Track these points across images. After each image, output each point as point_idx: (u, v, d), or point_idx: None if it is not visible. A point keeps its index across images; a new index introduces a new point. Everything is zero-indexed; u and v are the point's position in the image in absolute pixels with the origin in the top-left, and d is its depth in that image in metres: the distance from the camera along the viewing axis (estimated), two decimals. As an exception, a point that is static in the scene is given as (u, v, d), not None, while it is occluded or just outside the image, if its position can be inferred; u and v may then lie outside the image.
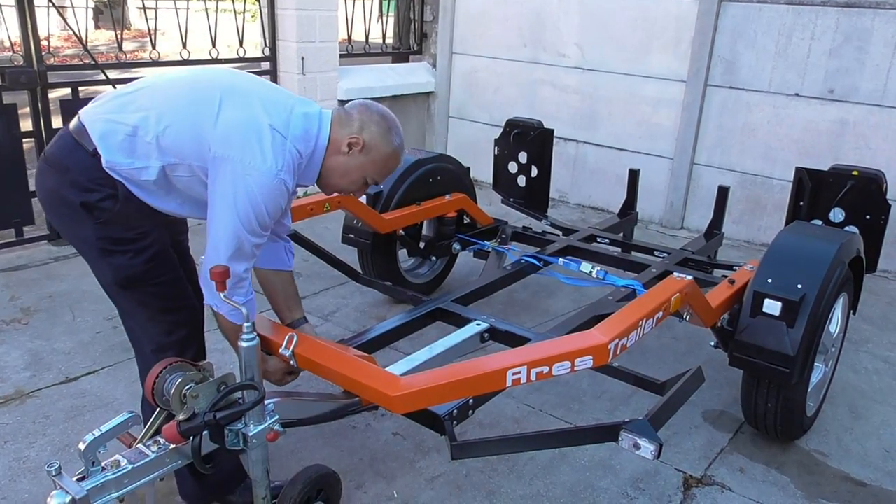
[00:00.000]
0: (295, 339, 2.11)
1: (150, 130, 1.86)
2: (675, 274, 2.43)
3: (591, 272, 3.12)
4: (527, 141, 3.98)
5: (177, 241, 2.17)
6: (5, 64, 4.17)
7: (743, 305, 2.54)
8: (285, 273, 2.30)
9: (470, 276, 4.13)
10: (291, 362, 2.13)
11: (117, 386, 2.97)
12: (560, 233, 3.90)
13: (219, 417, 1.78)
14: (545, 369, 1.96)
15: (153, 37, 4.91)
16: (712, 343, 2.77)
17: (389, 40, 6.59)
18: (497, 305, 3.76)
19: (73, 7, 4.43)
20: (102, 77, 4.57)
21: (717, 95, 5.11)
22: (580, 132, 5.82)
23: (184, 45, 4.87)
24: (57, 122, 4.30)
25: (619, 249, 3.73)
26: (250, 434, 1.85)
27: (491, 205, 4.73)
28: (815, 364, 2.69)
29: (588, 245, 3.65)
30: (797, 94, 4.78)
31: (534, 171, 4.02)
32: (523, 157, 4.03)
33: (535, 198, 4.08)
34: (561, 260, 3.31)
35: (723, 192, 3.86)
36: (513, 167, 4.09)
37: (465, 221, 3.89)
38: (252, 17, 5.61)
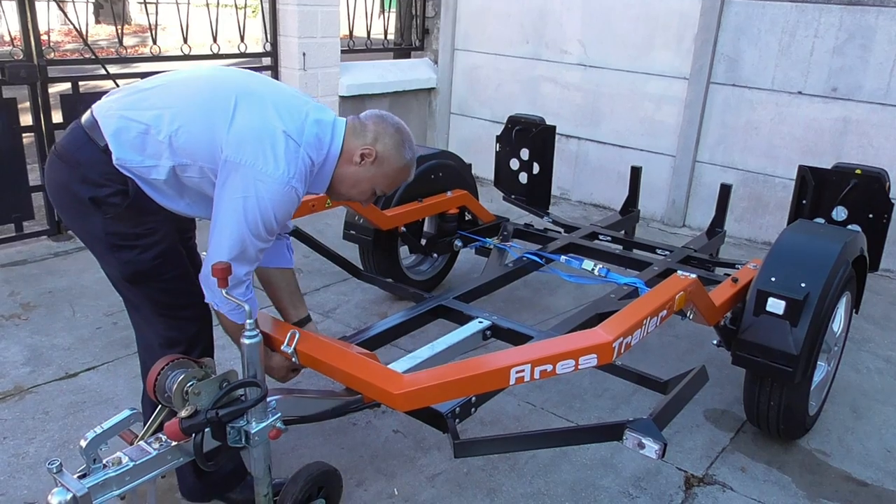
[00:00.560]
0: (297, 335, 2.10)
1: (162, 129, 1.84)
2: (680, 272, 2.42)
3: (593, 270, 3.11)
4: (529, 138, 3.97)
5: (185, 238, 2.16)
6: (5, 58, 4.15)
7: (746, 304, 2.53)
8: (287, 270, 2.29)
9: (471, 273, 4.13)
10: (293, 359, 2.12)
11: (117, 382, 2.97)
12: (562, 230, 3.89)
13: (221, 415, 1.77)
14: (549, 367, 1.95)
15: (154, 32, 4.89)
16: (715, 342, 2.76)
17: (391, 36, 6.56)
18: (498, 303, 3.75)
19: (73, 1, 4.41)
20: (103, 72, 4.55)
21: (719, 93, 5.10)
22: (582, 129, 5.81)
23: (185, 41, 4.85)
24: (57, 116, 4.28)
25: (620, 247, 3.72)
26: (252, 431, 1.85)
27: (492, 202, 4.72)
28: (818, 363, 2.68)
29: (590, 242, 3.64)
30: (800, 92, 4.77)
31: (535, 168, 4.01)
32: (525, 153, 4.01)
33: (536, 195, 4.06)
34: (563, 257, 3.30)
35: (725, 190, 3.85)
36: (514, 164, 4.07)
37: (467, 218, 3.88)
38: (253, 12, 5.59)
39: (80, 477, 1.64)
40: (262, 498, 1.96)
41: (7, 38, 4.42)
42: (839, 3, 4.52)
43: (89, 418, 2.72)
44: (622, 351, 2.01)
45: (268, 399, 1.89)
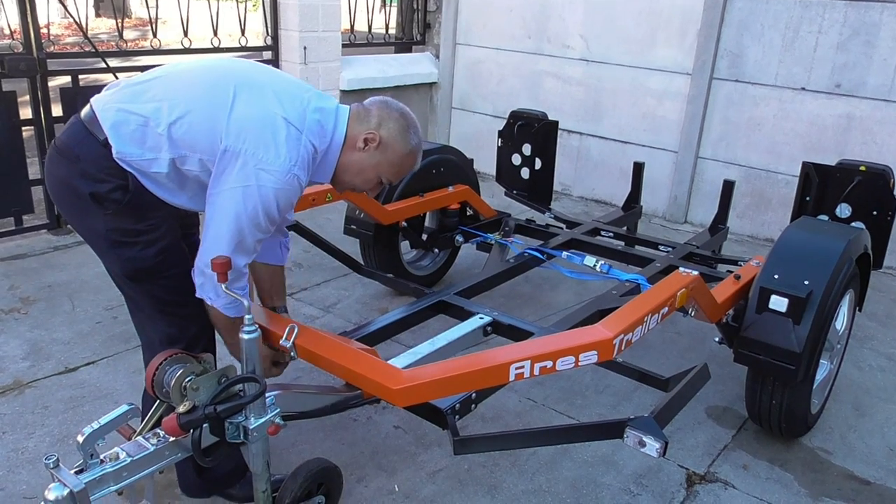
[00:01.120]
0: (296, 330, 2.09)
1: (161, 121, 1.82)
2: (682, 269, 2.41)
3: (595, 266, 3.09)
4: (531, 133, 3.95)
5: (187, 234, 2.13)
6: (5, 51, 4.14)
7: (749, 301, 2.52)
8: (277, 268, 2.28)
9: (472, 269, 4.11)
10: (292, 353, 2.10)
11: (117, 377, 2.95)
12: (563, 226, 3.87)
13: (219, 410, 1.76)
14: (549, 364, 1.94)
15: (154, 25, 4.87)
16: (717, 339, 2.74)
17: (392, 30, 6.54)
18: (499, 298, 3.74)
19: (73, -6, 4.38)
20: (103, 65, 4.53)
21: (722, 89, 5.07)
22: (584, 124, 5.78)
23: (185, 34, 4.83)
24: (57, 110, 4.27)
25: (622, 243, 3.70)
26: (251, 427, 1.83)
27: (493, 197, 4.70)
28: (821, 361, 2.67)
29: (592, 238, 3.62)
30: (803, 89, 4.74)
31: (537, 164, 3.99)
32: (527, 149, 3.99)
33: (538, 190, 4.04)
34: (565, 253, 3.28)
35: (728, 187, 3.83)
36: (516, 159, 4.06)
37: (468, 213, 3.87)
38: (254, 6, 5.57)
39: (77, 472, 1.63)
40: (261, 494, 1.95)
41: (7, 31, 4.38)
42: (844, -1, 4.50)
43: (89, 413, 2.71)
44: (623, 348, 2.00)
45: (266, 395, 1.87)
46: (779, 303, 2.42)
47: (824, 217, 3.16)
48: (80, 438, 1.63)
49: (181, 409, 1.74)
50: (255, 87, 1.88)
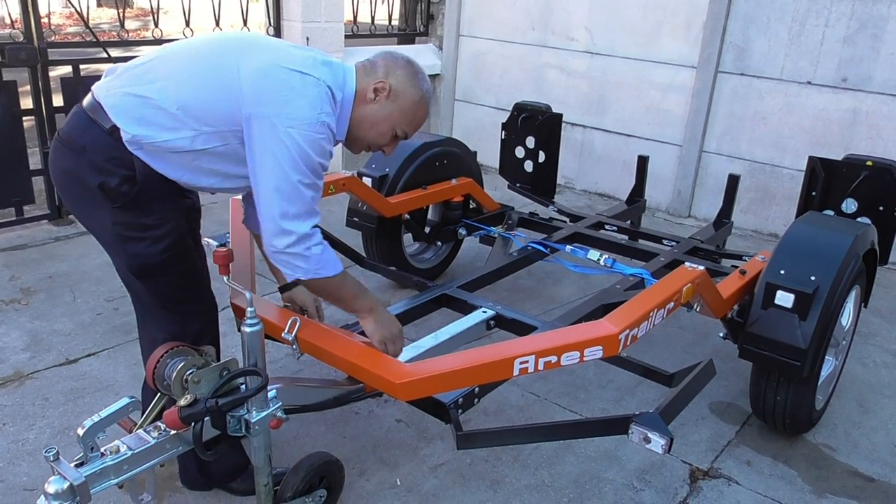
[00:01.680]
0: (298, 323, 2.07)
1: (172, 100, 1.77)
2: (687, 264, 2.39)
3: (598, 260, 3.07)
4: (534, 125, 3.92)
5: (192, 228, 2.09)
6: (5, 41, 4.11)
7: (754, 297, 2.50)
8: None
9: (475, 262, 4.09)
10: (294, 347, 2.08)
11: (118, 368, 2.94)
12: (567, 219, 3.85)
13: (221, 404, 1.74)
14: (553, 359, 1.92)
15: (156, 15, 4.84)
16: (721, 334, 2.73)
17: (395, 21, 6.50)
18: (502, 292, 3.72)
19: (74, -17, 4.35)
20: (104, 55, 4.51)
21: (727, 82, 5.04)
22: (588, 117, 5.75)
23: (187, 24, 4.80)
24: (58, 100, 4.25)
25: (626, 237, 3.68)
26: (253, 421, 1.82)
27: (496, 190, 4.68)
28: (826, 358, 2.65)
29: (595, 232, 3.60)
30: (809, 82, 4.71)
31: (541, 157, 3.96)
32: (531, 141, 3.97)
33: (541, 183, 4.02)
34: (568, 247, 3.26)
35: (733, 181, 3.80)
36: (520, 152, 4.03)
37: (472, 206, 3.84)
38: (256, -4, 5.55)
39: (77, 465, 1.61)
40: (263, 488, 1.94)
41: (7, 21, 4.36)
42: (851, -8, 4.46)
43: (89, 405, 2.70)
44: (628, 343, 1.98)
45: (268, 388, 1.86)
46: (785, 298, 2.40)
47: (830, 212, 3.13)
48: (81, 431, 1.61)
49: (182, 402, 1.72)
50: (258, 48, 1.84)
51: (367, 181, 3.44)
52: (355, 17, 5.92)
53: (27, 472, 2.34)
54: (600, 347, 1.94)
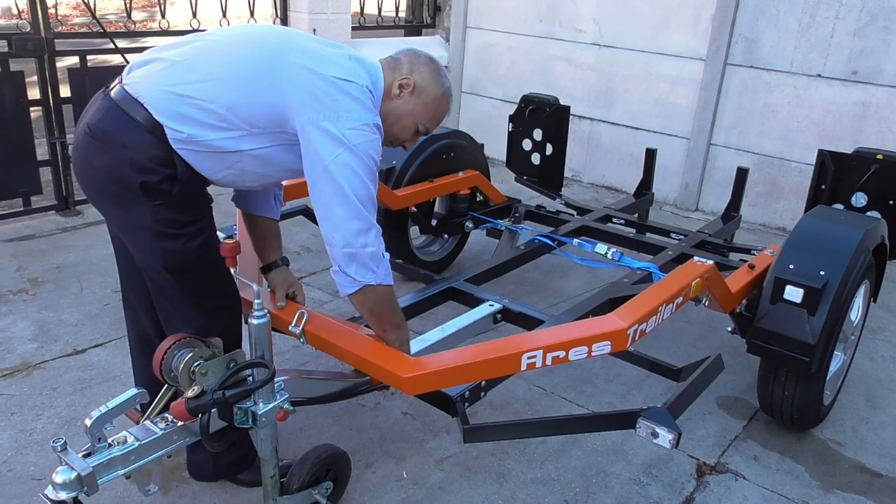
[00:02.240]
0: (305, 316, 2.07)
1: (218, 100, 1.76)
2: (696, 258, 2.37)
3: (606, 253, 3.06)
4: (542, 118, 3.90)
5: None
6: (12, 31, 4.11)
7: (763, 291, 2.48)
8: (271, 221, 2.25)
9: (482, 255, 4.08)
10: (301, 340, 2.08)
11: (125, 359, 2.93)
12: (574, 212, 3.83)
13: (228, 395, 1.74)
14: (561, 354, 1.92)
15: (163, 6, 4.82)
16: (729, 329, 2.71)
17: (402, 13, 6.47)
18: (508, 285, 3.71)
19: (81, -27, 4.34)
20: (111, 46, 4.50)
21: (736, 75, 5.00)
22: (595, 110, 5.72)
23: (194, 15, 4.79)
24: (65, 90, 4.24)
25: (633, 230, 3.67)
26: (259, 412, 1.82)
27: (503, 182, 4.66)
28: (835, 353, 2.64)
29: (602, 225, 3.58)
30: (819, 75, 4.67)
31: (548, 149, 3.94)
32: (538, 134, 3.95)
33: (549, 176, 4.00)
34: (576, 240, 3.25)
35: (742, 174, 3.78)
36: (527, 144, 4.01)
37: (478, 199, 3.83)
38: (263, -13, 5.53)
39: (85, 456, 1.62)
40: (269, 479, 1.94)
41: (14, 11, 4.36)
42: (862, -16, 4.42)
43: (97, 395, 2.70)
44: (637, 338, 1.97)
45: (275, 380, 1.86)
46: (794, 293, 2.38)
47: (839, 206, 3.11)
48: (88, 422, 1.62)
49: (189, 393, 1.72)
50: (298, 51, 1.83)
51: None
52: (362, 9, 5.89)
53: (35, 462, 2.35)
54: (608, 342, 1.93)
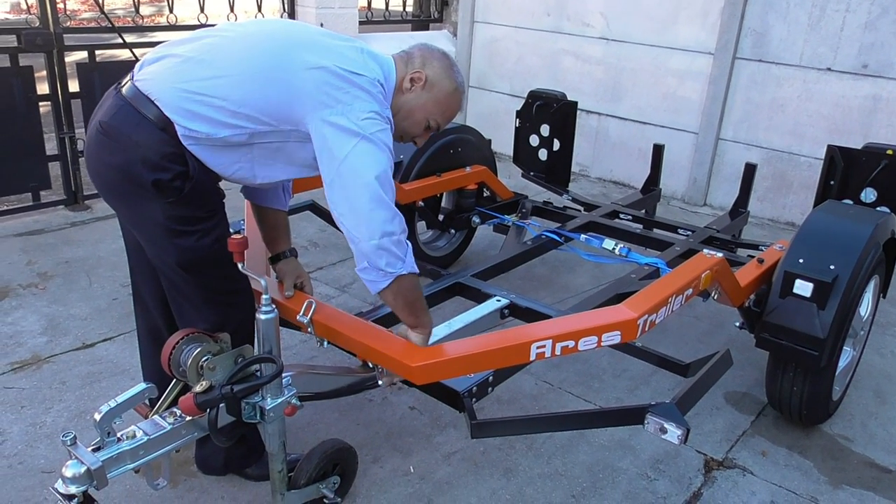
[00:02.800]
0: (314, 305, 2.06)
1: (229, 97, 1.75)
2: (706, 251, 2.36)
3: (613, 249, 3.05)
4: (549, 113, 3.89)
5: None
6: (22, 26, 4.12)
7: (772, 286, 2.47)
8: (280, 212, 2.25)
9: (488, 251, 4.08)
10: (309, 330, 2.07)
11: (133, 353, 2.96)
12: (581, 208, 3.82)
13: (236, 390, 1.75)
14: (571, 344, 1.90)
15: (171, 1, 4.83)
16: (737, 324, 2.70)
17: (409, 7, 6.46)
18: (515, 280, 3.71)
19: (89, -32, 4.35)
20: (119, 41, 4.51)
21: (745, 69, 4.97)
22: (603, 105, 5.70)
23: (201, 10, 4.79)
24: (73, 85, 4.26)
25: (641, 226, 3.65)
26: (267, 408, 1.82)
27: (510, 178, 4.65)
28: (844, 348, 2.63)
29: (610, 221, 3.57)
30: (829, 69, 4.64)
31: (556, 145, 3.93)
32: (545, 129, 3.93)
33: (556, 172, 3.99)
34: (583, 236, 3.24)
35: (750, 170, 3.76)
36: (534, 140, 4.00)
37: (485, 195, 3.82)
38: (270, -19, 5.52)
39: (94, 450, 1.63)
40: (277, 474, 1.94)
41: (24, 6, 4.37)
42: (873, -23, 4.38)
43: (106, 389, 2.72)
44: (646, 329, 1.96)
45: (283, 375, 1.86)
46: (803, 287, 2.37)
47: (848, 202, 3.09)
48: (98, 416, 1.63)
49: (198, 388, 1.73)
50: (311, 47, 1.82)
51: None
52: (369, 3, 5.88)
53: (45, 455, 2.37)
54: (618, 332, 1.92)
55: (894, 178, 2.97)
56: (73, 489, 1.58)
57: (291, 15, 5.36)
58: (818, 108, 4.73)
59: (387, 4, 6.05)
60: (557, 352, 1.92)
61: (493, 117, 6.30)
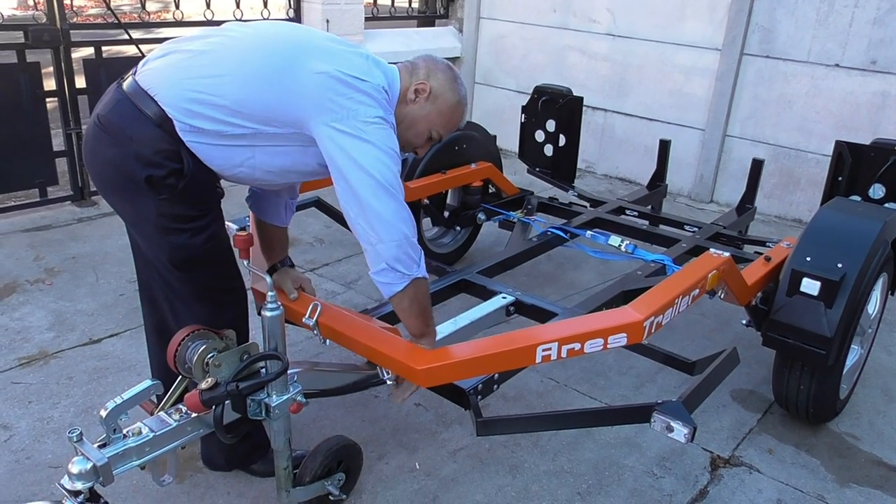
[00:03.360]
0: (319, 307, 2.07)
1: (230, 97, 1.75)
2: (712, 250, 2.35)
3: (619, 246, 3.04)
4: (555, 109, 3.87)
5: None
6: (29, 22, 4.13)
7: (779, 284, 2.46)
8: (280, 229, 2.25)
9: (494, 247, 4.07)
10: (315, 332, 2.09)
11: (140, 349, 2.96)
12: (587, 205, 3.81)
13: (241, 387, 1.75)
14: (577, 346, 1.91)
15: (177, -4, 4.83)
16: (744, 322, 2.69)
17: (415, 4, 6.44)
18: (521, 277, 3.70)
19: (96, -36, 4.35)
20: (126, 37, 4.51)
21: (752, 65, 4.94)
22: (609, 101, 5.68)
23: (207, 6, 4.78)
24: (80, 81, 4.26)
25: (647, 223, 3.64)
26: (273, 405, 1.83)
27: (516, 174, 4.64)
28: (852, 346, 2.61)
29: (616, 217, 3.56)
30: (837, 65, 4.61)
31: (561, 141, 3.92)
32: (551, 125, 3.92)
33: (561, 168, 3.97)
34: (589, 233, 3.23)
35: (757, 166, 3.74)
36: (540, 136, 3.99)
37: (491, 191, 3.82)
38: (276, -23, 5.52)
39: (100, 446, 1.63)
40: (282, 471, 1.95)
41: (31, 2, 4.38)
42: (882, -28, 4.34)
43: (112, 384, 2.73)
44: (653, 330, 1.96)
45: (288, 372, 1.86)
46: (811, 286, 2.36)
47: (857, 198, 3.07)
48: (104, 413, 1.63)
49: (203, 385, 1.73)
50: (315, 51, 1.82)
51: None
52: (375, 0, 5.87)
53: (52, 450, 2.38)
54: (624, 335, 1.92)
55: (903, 174, 2.95)
56: (79, 485, 1.58)
57: (297, 11, 5.35)
58: (826, 105, 4.70)
59: (392, 1, 6.03)
60: (563, 354, 1.92)
61: (499, 113, 6.29)
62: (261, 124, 1.78)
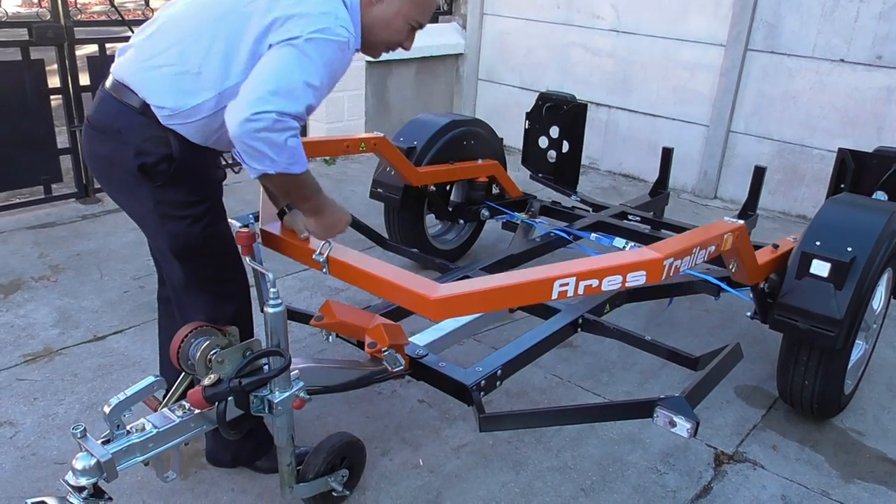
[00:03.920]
0: (330, 245, 2.00)
1: (190, 61, 1.74)
2: (727, 217, 2.34)
3: (624, 248, 3.04)
4: (559, 115, 3.87)
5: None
6: (33, 19, 4.14)
7: (788, 269, 2.46)
8: None
9: (496, 246, 4.07)
10: (324, 270, 2.02)
11: (144, 346, 2.97)
12: (589, 209, 3.81)
13: (244, 384, 1.75)
14: (595, 283, 1.86)
15: (180, -7, 4.83)
16: (749, 314, 2.69)
17: (419, 0, 6.43)
18: (525, 273, 3.69)
19: (99, -38, 4.36)
20: (129, 34, 4.52)
21: (757, 60, 4.93)
22: (613, 97, 5.67)
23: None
24: (84, 78, 4.27)
25: (649, 227, 3.64)
26: (276, 401, 1.83)
27: (519, 171, 4.64)
28: (856, 342, 2.60)
29: (618, 221, 3.55)
30: (842, 60, 4.59)
31: (565, 147, 3.91)
32: (555, 131, 3.91)
33: (564, 174, 3.96)
34: (593, 235, 3.23)
35: (759, 173, 3.71)
36: (543, 142, 3.98)
37: (495, 192, 3.81)
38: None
39: (104, 443, 1.64)
40: (286, 467, 1.95)
41: (34, 0, 4.39)
42: (888, -34, 4.32)
43: (117, 381, 2.73)
44: (671, 273, 1.93)
45: (291, 369, 1.86)
46: (821, 267, 2.36)
47: None
48: (107, 409, 1.64)
49: (206, 381, 1.74)
50: None
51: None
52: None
53: (57, 447, 2.39)
54: (644, 272, 1.89)
55: (905, 182, 2.95)
56: (83, 481, 1.59)
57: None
58: (831, 100, 4.68)
59: (396, -3, 6.02)
60: (581, 290, 1.86)
61: (502, 110, 6.28)
62: (224, 80, 1.73)
